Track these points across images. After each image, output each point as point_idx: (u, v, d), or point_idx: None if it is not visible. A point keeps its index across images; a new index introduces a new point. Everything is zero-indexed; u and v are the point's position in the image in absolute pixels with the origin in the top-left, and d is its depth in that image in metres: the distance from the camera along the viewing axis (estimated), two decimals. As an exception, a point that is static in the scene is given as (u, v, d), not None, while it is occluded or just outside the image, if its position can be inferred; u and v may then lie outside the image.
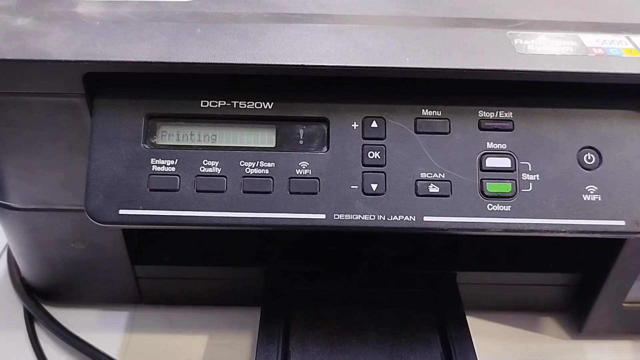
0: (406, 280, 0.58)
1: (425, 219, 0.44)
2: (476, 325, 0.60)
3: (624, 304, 0.57)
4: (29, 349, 0.59)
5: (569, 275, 0.59)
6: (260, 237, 0.62)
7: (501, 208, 0.44)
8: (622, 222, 0.44)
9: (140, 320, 0.62)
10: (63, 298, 0.62)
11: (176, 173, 0.44)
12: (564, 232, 0.44)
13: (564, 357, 0.60)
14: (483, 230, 0.44)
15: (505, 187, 0.45)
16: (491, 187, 0.45)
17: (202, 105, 0.45)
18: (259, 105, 0.45)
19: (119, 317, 0.62)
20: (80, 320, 0.61)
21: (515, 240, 0.61)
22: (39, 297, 0.62)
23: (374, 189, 0.44)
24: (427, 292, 0.57)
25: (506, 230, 0.44)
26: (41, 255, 0.58)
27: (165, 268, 0.59)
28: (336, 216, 0.44)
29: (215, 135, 0.45)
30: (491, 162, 0.45)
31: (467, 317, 0.54)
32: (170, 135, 0.45)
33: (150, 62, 0.43)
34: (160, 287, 0.61)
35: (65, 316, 0.61)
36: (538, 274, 0.59)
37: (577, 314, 0.61)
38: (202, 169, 0.45)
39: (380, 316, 0.55)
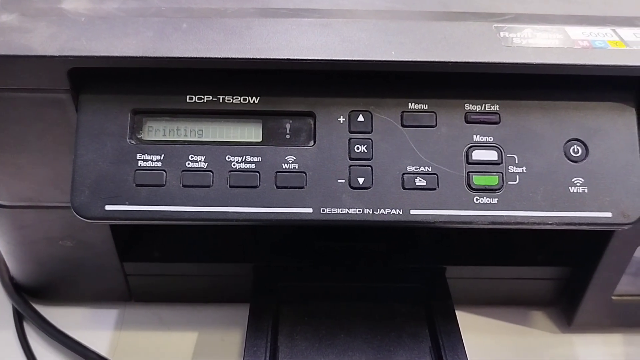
0: (395, 274, 0.58)
1: (412, 212, 0.44)
2: (465, 319, 0.60)
3: (613, 297, 0.57)
4: (18, 347, 0.59)
5: (557, 269, 0.59)
6: (249, 233, 0.62)
7: (488, 201, 0.44)
8: (609, 214, 0.45)
9: (130, 317, 0.62)
10: (52, 296, 0.62)
11: (162, 168, 0.44)
12: (550, 224, 0.45)
13: (553, 350, 0.60)
14: (470, 223, 0.44)
15: (492, 180, 0.45)
16: (478, 180, 0.45)
17: (188, 100, 0.45)
18: (245, 100, 0.45)
19: (109, 314, 0.62)
20: (70, 318, 0.60)
21: (504, 234, 0.61)
22: (27, 296, 0.62)
23: (361, 183, 0.44)
24: (416, 287, 0.57)
25: (493, 223, 0.45)
26: (29, 253, 0.58)
27: (154, 265, 0.59)
28: (323, 210, 0.44)
29: (202, 130, 0.45)
30: (478, 154, 0.45)
31: (457, 312, 0.54)
32: (156, 130, 0.45)
33: (136, 57, 0.43)
34: (149, 284, 0.61)
35: (55, 314, 0.60)
36: (527, 268, 0.59)
37: (566, 308, 0.61)
38: (189, 164, 0.44)
39: (369, 311, 0.55)
